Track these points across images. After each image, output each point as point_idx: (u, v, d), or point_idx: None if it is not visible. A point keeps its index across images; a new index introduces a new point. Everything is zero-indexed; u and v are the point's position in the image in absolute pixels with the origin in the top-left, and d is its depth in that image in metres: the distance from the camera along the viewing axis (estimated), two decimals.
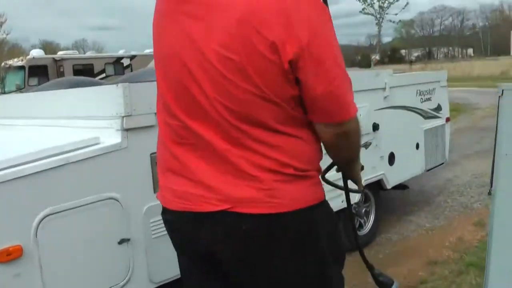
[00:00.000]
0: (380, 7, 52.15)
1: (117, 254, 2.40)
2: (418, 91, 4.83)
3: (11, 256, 2.02)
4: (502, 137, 2.00)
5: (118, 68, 17.97)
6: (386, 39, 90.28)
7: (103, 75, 16.66)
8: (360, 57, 63.91)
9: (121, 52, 19.14)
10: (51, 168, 2.16)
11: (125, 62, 18.77)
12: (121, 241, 2.41)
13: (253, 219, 1.32)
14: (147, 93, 2.48)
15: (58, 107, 2.84)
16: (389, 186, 4.47)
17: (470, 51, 76.50)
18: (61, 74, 15.38)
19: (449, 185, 6.21)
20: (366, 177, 3.98)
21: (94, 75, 15.48)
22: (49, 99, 3.02)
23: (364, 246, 4.38)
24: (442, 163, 5.38)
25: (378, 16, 50.90)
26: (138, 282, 2.48)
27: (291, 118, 1.35)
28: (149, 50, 21.57)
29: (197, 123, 1.35)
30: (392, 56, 60.82)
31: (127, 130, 2.42)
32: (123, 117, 2.39)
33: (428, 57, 73.20)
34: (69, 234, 2.22)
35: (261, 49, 1.23)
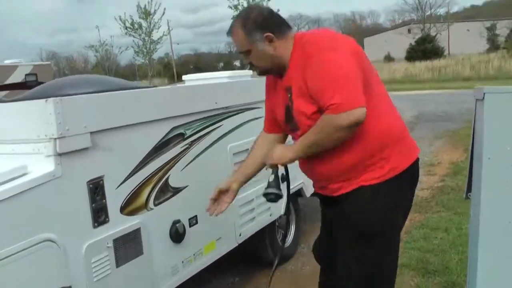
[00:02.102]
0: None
1: None
2: None
3: None
4: (483, 141, 1.94)
5: None
6: None
7: None
8: (223, 64, 64.68)
9: None
10: None
11: None
12: None
13: None
14: (82, 109, 2.07)
15: None
16: (308, 194, 4.34)
17: None
18: None
19: None
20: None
21: None
22: None
23: (289, 259, 4.26)
24: None
25: None
26: None
27: None
28: (9, 61, 19.50)
29: None
30: None
31: (60, 155, 1.97)
32: (55, 139, 1.94)
33: None
34: None
35: None
